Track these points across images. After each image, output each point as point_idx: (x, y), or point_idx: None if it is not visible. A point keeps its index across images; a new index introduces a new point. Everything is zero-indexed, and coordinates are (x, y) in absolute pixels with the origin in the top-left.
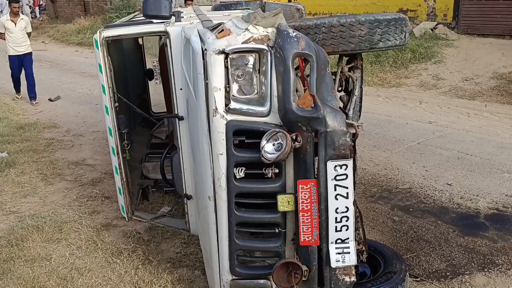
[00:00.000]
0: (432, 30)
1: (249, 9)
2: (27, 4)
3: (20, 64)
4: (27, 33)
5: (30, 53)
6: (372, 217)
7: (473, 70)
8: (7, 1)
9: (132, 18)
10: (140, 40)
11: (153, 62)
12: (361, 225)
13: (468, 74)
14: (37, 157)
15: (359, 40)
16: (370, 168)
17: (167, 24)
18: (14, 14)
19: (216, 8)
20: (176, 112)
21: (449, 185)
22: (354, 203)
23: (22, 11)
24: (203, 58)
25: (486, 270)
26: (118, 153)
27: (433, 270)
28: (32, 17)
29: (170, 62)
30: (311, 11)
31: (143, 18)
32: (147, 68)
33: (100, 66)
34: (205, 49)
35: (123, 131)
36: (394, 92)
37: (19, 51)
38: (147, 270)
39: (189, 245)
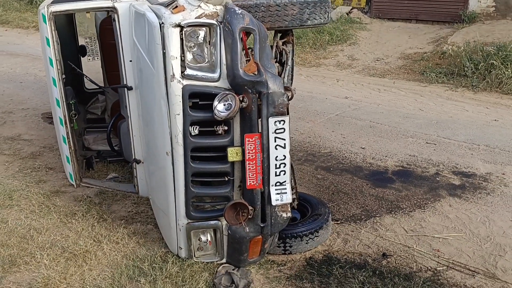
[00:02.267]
0: (347, 14)
1: None
2: None
3: None
4: None
5: None
6: (299, 176)
7: (384, 51)
8: None
9: None
10: (73, 17)
11: (85, 39)
12: (293, 177)
13: (379, 55)
14: None
15: (292, 18)
16: (296, 136)
17: (114, 1)
18: None
19: None
20: (125, 83)
21: (363, 148)
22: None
23: None
24: (161, 31)
25: (393, 212)
26: (66, 123)
27: (351, 214)
28: None
29: (118, 36)
30: None
31: None
32: (80, 44)
33: (47, 39)
34: (162, 23)
35: (70, 102)
36: (314, 71)
37: None
38: (103, 226)
39: (139, 205)
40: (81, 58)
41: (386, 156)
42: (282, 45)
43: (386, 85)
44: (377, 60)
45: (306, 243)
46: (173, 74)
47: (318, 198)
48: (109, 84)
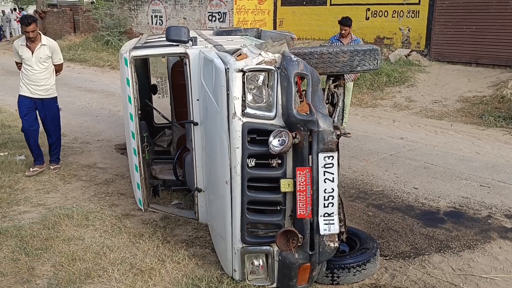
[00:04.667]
0: (406, 56)
1: (247, 35)
2: (14, 19)
3: (34, 113)
4: (55, 65)
5: (54, 99)
6: (350, 212)
7: (442, 93)
8: (13, 11)
9: (147, 40)
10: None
11: (157, 79)
12: (342, 211)
13: (437, 97)
14: None
15: (343, 64)
16: (349, 174)
17: (186, 47)
18: (30, 40)
19: (218, 33)
20: (192, 119)
21: (416, 188)
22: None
23: (3, 33)
24: (226, 75)
25: (442, 251)
26: (139, 153)
27: (400, 251)
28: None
29: (188, 78)
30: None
31: (156, 40)
32: (152, 83)
33: (127, 80)
34: (227, 68)
35: (144, 135)
36: (370, 112)
37: (36, 93)
38: (166, 247)
39: (198, 230)
40: (152, 95)
41: (438, 197)
42: (334, 88)
43: (443, 127)
44: (435, 102)
45: (353, 275)
46: (235, 112)
47: (367, 233)
48: (177, 119)
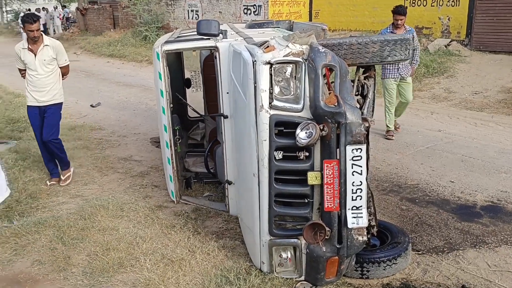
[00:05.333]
0: (445, 46)
1: (279, 27)
2: (57, 17)
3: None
4: (60, 67)
5: (58, 106)
6: (383, 206)
7: (483, 84)
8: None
9: (180, 34)
10: (182, 53)
11: (191, 73)
12: (373, 204)
13: (478, 88)
14: (90, 153)
15: (372, 55)
16: (383, 167)
17: (216, 40)
18: (32, 41)
19: (251, 26)
20: (222, 112)
21: (452, 182)
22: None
23: (48, 30)
24: (253, 67)
25: (477, 247)
26: (171, 146)
27: (433, 246)
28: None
29: (219, 71)
30: (331, 28)
31: (189, 34)
32: (186, 77)
33: (159, 74)
34: (255, 60)
35: (175, 128)
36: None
37: (42, 100)
38: (197, 239)
39: (229, 222)
40: (186, 89)
41: (475, 191)
42: (364, 79)
43: (484, 119)
44: (476, 93)
45: (384, 269)
46: (262, 105)
47: (398, 227)
48: (209, 113)
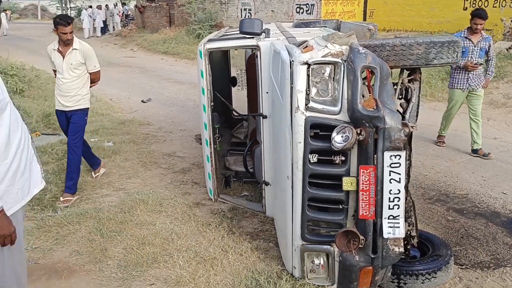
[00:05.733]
0: (507, 50)
1: (326, 27)
2: (117, 14)
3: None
4: (90, 73)
5: (84, 112)
6: (428, 215)
7: None
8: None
9: (226, 32)
10: (229, 52)
11: (237, 71)
12: (414, 214)
13: None
14: (136, 147)
15: (417, 57)
16: (431, 175)
17: (258, 39)
18: (64, 43)
19: (297, 25)
20: (261, 112)
21: (504, 193)
22: (407, 191)
23: (107, 27)
24: (291, 68)
25: None
26: (210, 144)
27: (478, 261)
28: (121, 26)
29: (259, 70)
30: (385, 28)
31: (233, 33)
32: (232, 76)
33: (202, 72)
34: (292, 61)
35: (215, 126)
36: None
37: (66, 105)
38: (231, 238)
39: (264, 223)
40: (232, 87)
41: None
42: (408, 82)
43: None
44: None
45: (422, 283)
46: (298, 106)
47: (441, 239)
48: (251, 112)
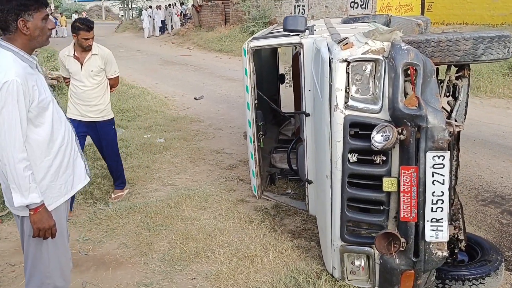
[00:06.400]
0: None
1: (375, 22)
2: (175, 13)
3: (84, 140)
4: (109, 78)
5: (111, 122)
6: (480, 218)
7: None
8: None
9: (272, 30)
10: (277, 49)
11: (285, 68)
12: (462, 217)
13: None
14: (186, 144)
15: (464, 53)
16: (486, 175)
17: (302, 37)
18: (82, 48)
19: (345, 21)
20: (304, 109)
21: None
22: (454, 193)
23: (166, 26)
24: (330, 65)
25: None
26: (254, 142)
27: None
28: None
29: (302, 67)
30: (444, 21)
31: (279, 30)
32: (280, 73)
33: (246, 70)
34: (332, 58)
35: (259, 124)
36: None
37: (87, 115)
38: (273, 236)
39: (307, 222)
40: (280, 85)
41: None
42: (456, 79)
43: None
44: None
45: None
46: (337, 105)
47: (491, 243)
48: (296, 109)
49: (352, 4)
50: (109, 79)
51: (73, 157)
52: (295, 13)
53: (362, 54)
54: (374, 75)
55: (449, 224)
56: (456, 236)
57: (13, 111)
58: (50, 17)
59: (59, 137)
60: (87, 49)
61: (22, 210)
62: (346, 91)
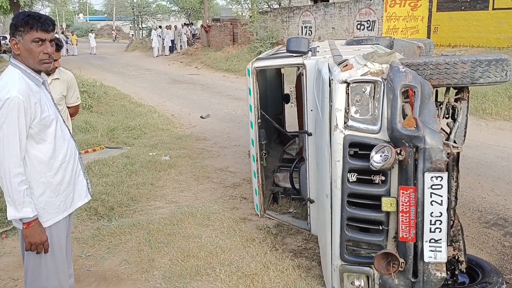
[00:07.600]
0: None
1: (378, 44)
2: (185, 33)
3: None
4: (69, 107)
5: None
6: (482, 240)
7: None
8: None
9: (277, 51)
10: (282, 69)
11: (290, 88)
12: (462, 238)
13: None
14: (191, 162)
15: (462, 76)
16: (490, 197)
17: (305, 58)
18: (47, 73)
19: (349, 43)
20: (306, 129)
21: None
22: (455, 214)
23: (175, 46)
24: (330, 86)
25: None
26: (257, 160)
27: None
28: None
29: (305, 88)
30: (451, 43)
31: (283, 51)
32: (285, 93)
33: (249, 90)
34: (332, 79)
35: (262, 142)
36: None
37: None
38: (274, 255)
39: (309, 241)
40: (285, 104)
41: None
42: (455, 101)
43: None
44: None
45: None
46: (337, 125)
47: (492, 265)
48: (299, 129)
49: (359, 26)
50: (69, 107)
51: (75, 175)
52: (302, 34)
53: (361, 75)
54: (373, 96)
55: (448, 245)
56: (456, 257)
57: (13, 126)
58: (61, 36)
59: (61, 154)
60: (50, 72)
61: (20, 224)
62: (345, 111)
